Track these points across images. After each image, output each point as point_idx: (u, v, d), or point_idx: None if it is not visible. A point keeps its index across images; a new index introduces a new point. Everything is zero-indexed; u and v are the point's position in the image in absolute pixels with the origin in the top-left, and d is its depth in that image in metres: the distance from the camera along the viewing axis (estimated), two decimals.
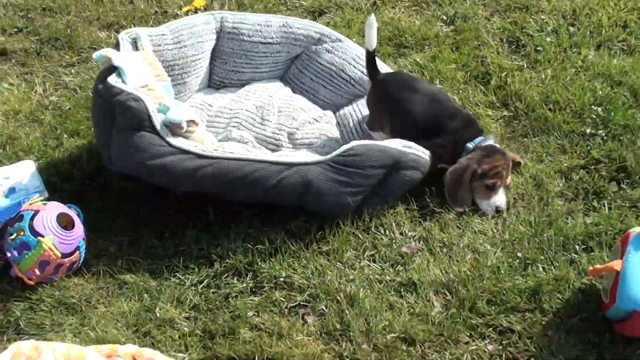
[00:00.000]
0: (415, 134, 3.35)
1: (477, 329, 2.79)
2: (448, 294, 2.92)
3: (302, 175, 3.12)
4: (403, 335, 2.77)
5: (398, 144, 3.26)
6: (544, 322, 2.78)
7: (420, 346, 2.74)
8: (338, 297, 2.92)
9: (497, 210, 3.28)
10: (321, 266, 3.04)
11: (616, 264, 2.63)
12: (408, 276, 3.00)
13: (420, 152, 3.30)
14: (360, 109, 3.80)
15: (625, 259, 2.64)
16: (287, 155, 3.49)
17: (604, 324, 2.75)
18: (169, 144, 3.16)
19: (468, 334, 2.78)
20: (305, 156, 3.41)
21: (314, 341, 2.79)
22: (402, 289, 2.96)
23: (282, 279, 3.01)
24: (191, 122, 3.29)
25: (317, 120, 3.73)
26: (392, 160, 3.20)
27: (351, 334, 2.80)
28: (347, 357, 2.73)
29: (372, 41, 3.49)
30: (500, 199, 3.28)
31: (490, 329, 2.79)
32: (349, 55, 3.90)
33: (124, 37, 3.48)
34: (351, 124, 3.77)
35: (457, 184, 3.27)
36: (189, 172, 3.13)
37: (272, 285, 2.99)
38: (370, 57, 3.53)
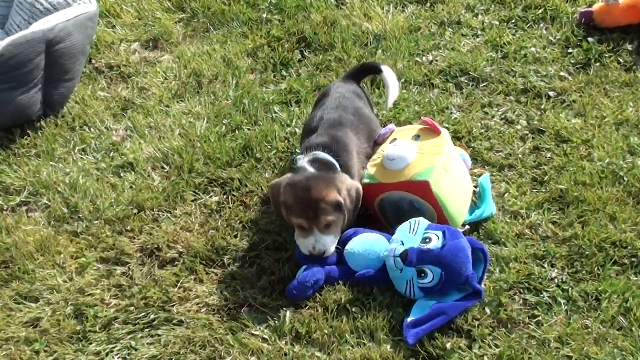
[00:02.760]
0: None
1: (200, 186, 2.94)
2: (165, 165, 3.03)
3: None
4: (131, 206, 2.84)
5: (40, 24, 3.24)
6: (257, 166, 3.00)
7: (150, 211, 2.83)
8: (58, 189, 2.91)
9: (312, 255, 2.50)
10: (34, 166, 3.00)
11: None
12: (123, 160, 3.07)
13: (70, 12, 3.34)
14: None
15: None
16: None
17: None
18: None
19: (192, 192, 2.92)
20: None
21: (45, 228, 2.77)
22: (120, 171, 3.03)
23: None
24: None
25: None
26: (43, 43, 3.17)
27: (80, 214, 2.82)
28: (82, 233, 2.75)
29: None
30: (308, 243, 2.49)
31: (212, 183, 2.95)
32: None
33: None
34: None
35: (274, 203, 2.63)
36: None
37: None
38: None
